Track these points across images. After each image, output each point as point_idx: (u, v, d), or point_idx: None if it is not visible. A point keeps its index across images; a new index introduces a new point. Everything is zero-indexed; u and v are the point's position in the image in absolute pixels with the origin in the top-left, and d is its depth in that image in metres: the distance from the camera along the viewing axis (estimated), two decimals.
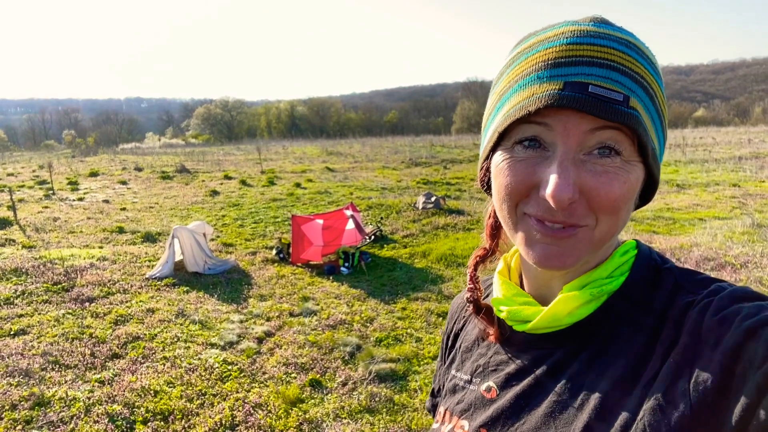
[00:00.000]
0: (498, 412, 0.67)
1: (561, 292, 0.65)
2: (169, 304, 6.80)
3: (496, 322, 0.75)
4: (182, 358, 5.22)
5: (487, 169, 0.68)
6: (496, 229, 0.82)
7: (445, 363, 0.90)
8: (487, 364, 0.74)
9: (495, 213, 0.79)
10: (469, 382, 0.76)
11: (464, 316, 0.88)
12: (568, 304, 0.63)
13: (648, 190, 0.64)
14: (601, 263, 0.65)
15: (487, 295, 0.83)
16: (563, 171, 0.55)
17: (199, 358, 5.23)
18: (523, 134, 0.59)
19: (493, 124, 0.64)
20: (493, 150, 0.64)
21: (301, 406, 4.33)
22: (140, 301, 6.92)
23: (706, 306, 0.55)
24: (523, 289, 0.74)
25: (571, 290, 0.64)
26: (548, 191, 0.55)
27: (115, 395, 4.47)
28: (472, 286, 0.80)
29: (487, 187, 0.71)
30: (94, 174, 25.10)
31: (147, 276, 7.98)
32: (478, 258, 0.83)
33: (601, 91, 0.55)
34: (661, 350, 0.56)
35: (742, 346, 0.49)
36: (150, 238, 10.97)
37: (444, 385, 0.85)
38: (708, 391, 0.49)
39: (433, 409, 0.95)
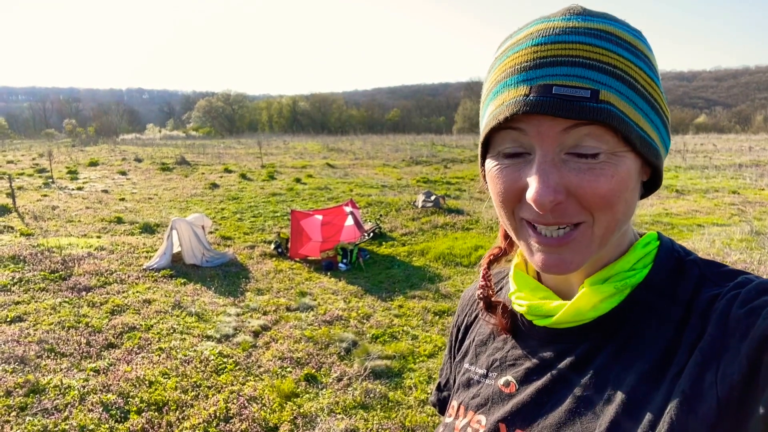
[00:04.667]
0: (518, 407, 0.66)
1: (583, 286, 0.64)
2: (165, 296, 6.80)
3: (509, 317, 0.74)
4: (178, 350, 5.23)
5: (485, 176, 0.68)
6: None
7: (454, 356, 0.88)
8: (504, 359, 0.73)
9: None
10: (485, 376, 0.74)
11: (476, 309, 0.86)
12: (591, 298, 0.62)
13: (653, 178, 0.63)
14: (622, 255, 0.64)
15: (500, 289, 0.82)
16: (542, 174, 0.55)
17: (195, 350, 5.24)
18: (503, 140, 0.59)
19: (481, 132, 0.65)
20: (485, 157, 0.64)
21: (295, 400, 4.34)
22: (137, 292, 6.92)
23: (732, 298, 0.55)
24: (541, 282, 0.72)
25: (594, 284, 0.63)
26: (529, 196, 0.55)
27: (110, 384, 4.47)
28: (484, 283, 0.79)
29: None
30: (93, 164, 25.07)
31: (144, 267, 7.98)
32: (491, 256, 0.82)
33: (565, 91, 0.53)
34: (687, 343, 0.56)
35: None
36: (148, 229, 10.97)
37: (455, 379, 0.83)
38: (735, 384, 0.49)
39: (438, 404, 0.93)
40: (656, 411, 0.53)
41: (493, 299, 0.77)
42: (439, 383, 0.94)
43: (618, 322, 0.62)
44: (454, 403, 0.78)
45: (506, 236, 0.81)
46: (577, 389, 0.61)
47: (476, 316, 0.85)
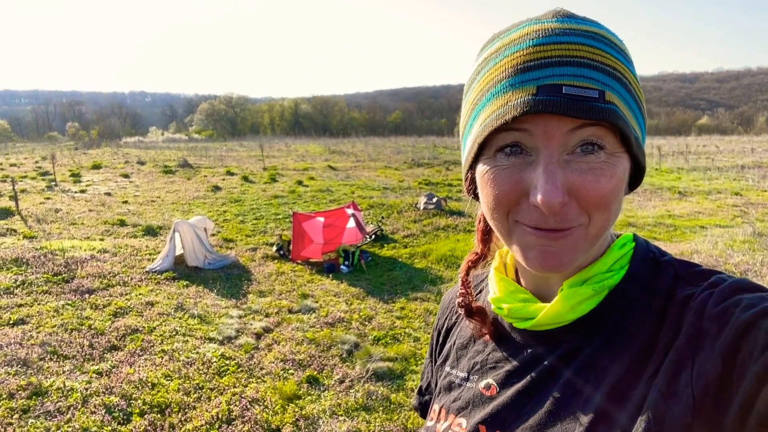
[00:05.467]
0: (498, 409, 0.66)
1: (562, 288, 0.64)
2: (168, 298, 6.81)
3: (490, 321, 0.75)
4: (180, 352, 5.23)
5: (472, 180, 0.66)
6: (487, 234, 0.81)
7: (435, 360, 0.87)
8: (485, 362, 0.73)
9: (485, 218, 0.80)
10: (466, 379, 0.74)
11: (457, 312, 0.85)
12: (570, 301, 0.62)
13: (635, 177, 0.63)
14: (600, 257, 0.64)
15: (480, 291, 0.82)
16: (550, 175, 0.54)
17: (197, 352, 5.24)
18: (504, 141, 0.58)
19: (470, 135, 0.63)
20: (476, 160, 0.63)
21: (297, 402, 4.34)
22: (140, 294, 6.93)
23: (706, 297, 0.55)
24: (521, 285, 0.72)
25: (573, 286, 0.63)
26: (538, 198, 0.54)
27: (113, 387, 4.48)
28: (464, 291, 0.79)
29: (474, 195, 0.70)
30: (96, 166, 25.14)
31: (147, 269, 8.00)
32: (470, 263, 0.82)
33: (575, 91, 0.53)
34: (663, 342, 0.56)
35: (743, 336, 0.49)
36: (151, 231, 10.99)
37: (436, 383, 0.83)
38: (710, 382, 0.49)
39: (420, 407, 0.93)
40: (634, 410, 0.53)
41: (473, 305, 0.77)
42: (421, 387, 0.94)
43: (596, 323, 0.62)
44: (435, 407, 0.78)
45: (483, 241, 0.81)
46: (557, 390, 0.61)
47: (456, 319, 0.85)
